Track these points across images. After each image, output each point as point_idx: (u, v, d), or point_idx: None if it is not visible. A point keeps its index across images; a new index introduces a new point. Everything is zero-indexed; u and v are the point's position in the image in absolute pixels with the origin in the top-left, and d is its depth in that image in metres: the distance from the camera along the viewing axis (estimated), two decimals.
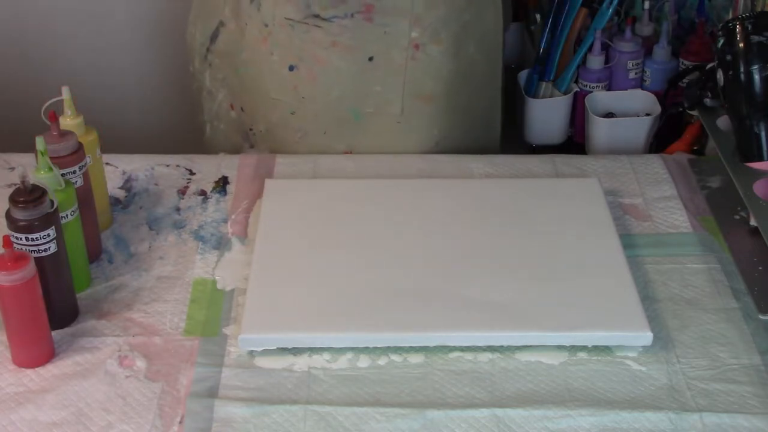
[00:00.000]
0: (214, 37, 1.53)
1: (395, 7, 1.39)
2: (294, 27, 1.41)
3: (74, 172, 1.19)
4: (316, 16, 1.40)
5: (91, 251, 1.23)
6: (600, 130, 1.60)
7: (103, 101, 2.03)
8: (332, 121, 1.47)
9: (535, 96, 1.67)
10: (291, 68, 1.44)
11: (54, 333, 1.13)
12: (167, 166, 1.44)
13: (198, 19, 1.56)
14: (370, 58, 1.42)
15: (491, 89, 1.55)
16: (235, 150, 1.55)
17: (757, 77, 1.27)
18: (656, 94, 1.63)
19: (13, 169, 1.41)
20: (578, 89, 1.66)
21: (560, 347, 1.13)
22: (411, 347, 1.13)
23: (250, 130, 1.53)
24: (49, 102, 1.18)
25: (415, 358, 1.12)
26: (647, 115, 1.61)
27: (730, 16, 1.56)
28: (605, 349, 1.13)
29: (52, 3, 1.96)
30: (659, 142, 1.63)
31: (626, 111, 1.64)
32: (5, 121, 1.89)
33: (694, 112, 1.45)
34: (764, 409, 1.06)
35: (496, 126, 1.58)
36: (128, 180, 1.41)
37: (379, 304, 1.15)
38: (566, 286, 1.18)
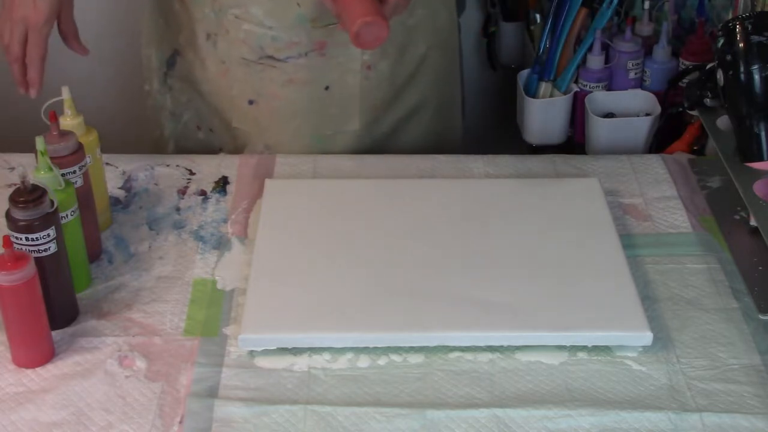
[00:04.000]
0: (171, 64, 1.54)
1: (347, 39, 1.39)
2: (250, 66, 1.44)
3: (74, 172, 1.19)
4: (271, 57, 1.41)
5: (91, 251, 1.23)
6: (600, 130, 1.60)
7: (103, 101, 2.03)
8: (295, 146, 1.49)
9: (535, 96, 1.67)
10: (251, 102, 1.47)
11: (54, 333, 1.13)
12: (167, 166, 1.44)
13: (151, 43, 1.57)
14: (327, 87, 1.44)
15: (450, 79, 1.57)
16: None
17: (757, 77, 1.27)
18: (656, 94, 1.62)
19: (13, 169, 1.41)
20: (578, 89, 1.66)
21: (560, 347, 1.13)
22: (411, 347, 1.12)
23: (220, 150, 1.55)
24: (49, 102, 1.18)
25: (415, 358, 1.12)
26: (647, 115, 1.61)
27: (730, 16, 1.56)
28: (605, 349, 1.13)
29: None
30: (659, 142, 1.63)
31: (626, 111, 1.63)
32: (5, 121, 1.89)
33: (694, 112, 1.45)
34: (764, 409, 1.06)
35: (457, 117, 1.62)
36: (128, 180, 1.41)
37: (379, 304, 1.15)
38: (566, 286, 1.18)
